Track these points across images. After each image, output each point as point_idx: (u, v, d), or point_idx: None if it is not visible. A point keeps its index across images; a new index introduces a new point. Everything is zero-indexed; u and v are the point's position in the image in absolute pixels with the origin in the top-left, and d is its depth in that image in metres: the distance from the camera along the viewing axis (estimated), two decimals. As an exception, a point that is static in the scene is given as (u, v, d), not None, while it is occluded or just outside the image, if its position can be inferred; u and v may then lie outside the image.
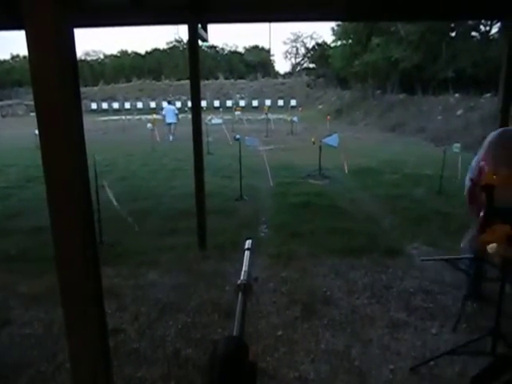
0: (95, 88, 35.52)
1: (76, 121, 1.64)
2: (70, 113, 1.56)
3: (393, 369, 2.53)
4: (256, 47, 47.59)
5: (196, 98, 4.35)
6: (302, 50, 45.69)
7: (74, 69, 1.68)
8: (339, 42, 28.28)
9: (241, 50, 47.90)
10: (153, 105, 31.11)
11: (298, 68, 44.63)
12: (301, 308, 3.24)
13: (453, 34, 21.99)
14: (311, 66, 43.26)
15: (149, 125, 13.67)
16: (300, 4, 4.15)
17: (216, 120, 14.94)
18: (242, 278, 0.93)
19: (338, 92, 28.34)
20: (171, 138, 15.02)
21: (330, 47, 32.48)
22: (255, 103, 30.59)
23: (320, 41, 42.85)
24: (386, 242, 4.58)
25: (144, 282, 3.78)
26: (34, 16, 1.44)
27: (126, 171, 9.18)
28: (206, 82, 32.63)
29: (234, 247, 4.40)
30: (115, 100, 32.71)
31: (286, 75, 41.51)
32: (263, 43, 75.27)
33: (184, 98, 29.42)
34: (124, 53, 46.98)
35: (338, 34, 27.80)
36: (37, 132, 1.55)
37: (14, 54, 45.43)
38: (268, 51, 47.18)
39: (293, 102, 29.30)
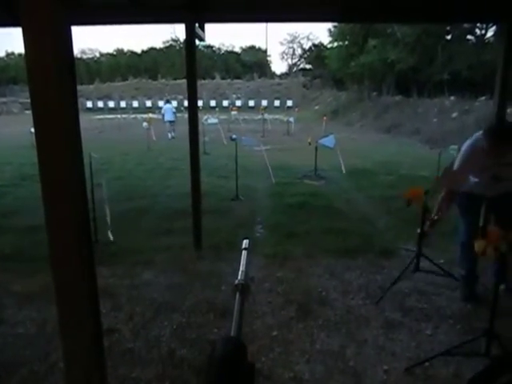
0: (91, 86, 35.38)
1: (72, 119, 1.63)
2: (67, 111, 1.55)
3: (387, 369, 2.54)
4: (253, 47, 47.65)
5: (193, 97, 4.34)
6: (299, 51, 45.84)
7: (71, 67, 1.67)
8: (336, 43, 28.38)
9: (237, 50, 47.97)
10: (149, 104, 31.06)
11: (295, 69, 44.74)
12: (296, 308, 3.24)
13: (448, 37, 22.14)
14: (308, 66, 43.39)
15: (144, 124, 13.63)
16: (297, 4, 4.15)
17: (212, 120, 14.94)
18: (239, 277, 0.92)
19: (335, 93, 28.42)
20: (170, 135, 15.34)
21: (327, 48, 32.58)
22: (251, 103, 30.64)
23: (317, 42, 43.03)
24: (381, 243, 4.59)
25: (139, 281, 3.76)
26: (31, 13, 1.42)
27: (121, 170, 9.14)
28: (203, 81, 32.60)
29: (229, 247, 4.39)
30: (111, 99, 32.60)
31: (283, 76, 41.56)
32: (260, 43, 75.34)
33: (180, 97, 29.37)
34: (120, 51, 46.83)
35: (334, 35, 27.89)
36: (32, 130, 1.54)
37: (9, 51, 45.15)
38: (265, 51, 47.29)
39: (289, 103, 29.37)
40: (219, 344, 0.66)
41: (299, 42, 45.31)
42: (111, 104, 31.36)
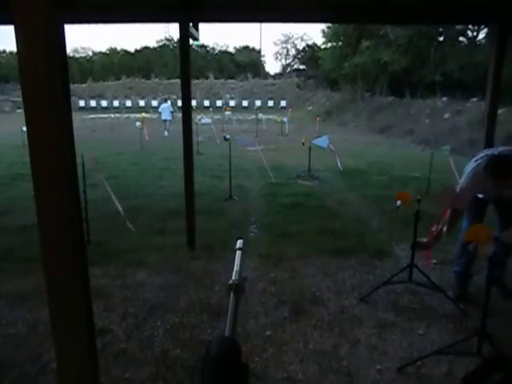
0: (83, 85, 35.13)
1: (65, 118, 1.62)
2: (59, 110, 1.54)
3: (380, 369, 2.55)
4: (246, 47, 47.62)
5: (186, 97, 4.32)
6: (293, 52, 45.95)
7: (64, 66, 1.65)
8: (329, 44, 28.54)
9: (231, 49, 47.91)
10: (142, 103, 30.91)
11: (289, 69, 44.84)
12: (290, 308, 3.25)
13: (441, 39, 22.35)
14: (301, 67, 43.51)
15: (138, 123, 13.57)
16: (291, 5, 4.16)
17: (206, 120, 14.93)
18: (233, 277, 0.93)
19: (328, 93, 28.53)
20: (166, 133, 15.66)
21: (321, 49, 32.74)
22: (245, 103, 30.63)
23: (310, 42, 43.21)
24: (374, 243, 4.62)
25: (132, 281, 3.74)
26: (23, 11, 1.41)
27: (114, 170, 9.08)
28: (196, 81, 32.54)
29: (223, 247, 4.39)
30: (104, 98, 32.41)
31: (277, 76, 41.60)
32: (254, 44, 75.38)
33: (174, 97, 29.25)
34: (113, 50, 46.53)
35: (328, 36, 28.03)
36: (24, 129, 1.53)
37: (1, 49, 44.70)
38: (258, 52, 47.28)
39: (283, 103, 29.42)
40: (214, 344, 0.66)
41: (293, 43, 45.47)
42: (104, 103, 31.18)
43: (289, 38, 45.34)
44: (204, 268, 4.00)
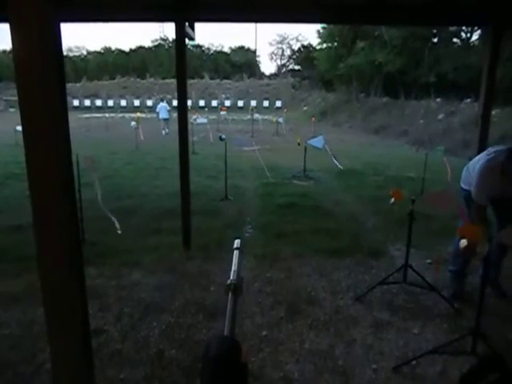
0: (78, 85, 34.89)
1: (61, 117, 1.61)
2: (55, 109, 1.53)
3: (376, 368, 2.56)
4: (242, 48, 47.59)
5: (182, 97, 4.31)
6: (288, 52, 45.99)
7: (60, 65, 1.65)
8: (324, 45, 28.60)
9: (226, 50, 47.84)
10: (137, 103, 30.77)
11: (284, 69, 44.86)
12: (285, 308, 3.25)
13: (435, 40, 22.48)
14: (296, 67, 43.55)
15: (133, 123, 13.50)
16: (287, 5, 4.17)
17: (201, 119, 14.91)
18: (231, 277, 0.92)
19: (323, 94, 28.59)
20: (164, 132, 16.23)
21: (316, 49, 32.77)
22: (240, 103, 30.59)
23: (305, 43, 43.27)
24: (370, 243, 4.63)
25: (127, 282, 3.73)
26: (19, 9, 1.40)
27: (109, 169, 9.04)
28: (192, 81, 32.46)
29: (218, 247, 4.39)
30: (98, 97, 32.22)
31: (272, 76, 41.59)
32: (249, 44, 75.22)
33: (169, 96, 29.17)
34: (107, 50, 46.28)
35: (323, 37, 28.08)
36: (18, 128, 1.52)
37: (-6, 48, 44.23)
38: (254, 52, 47.23)
39: (278, 103, 29.42)
40: (214, 343, 0.65)
41: (288, 43, 45.50)
42: (98, 103, 31.01)
43: (284, 38, 45.40)
44: (199, 268, 3.99)
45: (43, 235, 1.57)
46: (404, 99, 19.63)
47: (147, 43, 48.44)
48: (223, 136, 7.12)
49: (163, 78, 34.79)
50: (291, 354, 2.69)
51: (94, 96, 32.55)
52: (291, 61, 45.78)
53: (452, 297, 3.37)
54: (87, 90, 34.21)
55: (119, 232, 4.70)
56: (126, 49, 46.17)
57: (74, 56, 45.01)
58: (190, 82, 29.18)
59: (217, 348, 0.65)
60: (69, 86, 32.77)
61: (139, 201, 6.47)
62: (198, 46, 43.99)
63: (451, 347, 2.57)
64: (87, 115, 25.05)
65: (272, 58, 62.04)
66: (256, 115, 18.62)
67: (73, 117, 20.70)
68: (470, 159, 3.43)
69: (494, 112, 6.77)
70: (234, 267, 0.98)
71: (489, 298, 3.10)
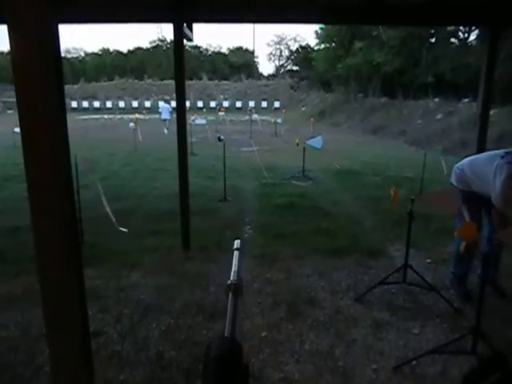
0: (76, 86, 34.88)
1: (59, 119, 1.60)
2: (53, 111, 1.52)
3: (376, 368, 2.56)
4: (240, 48, 47.65)
5: (181, 98, 4.31)
6: (286, 53, 46.08)
7: (58, 66, 1.64)
8: (322, 46, 28.67)
9: (225, 50, 47.90)
10: (135, 104, 30.75)
11: (282, 70, 44.95)
12: (285, 309, 3.25)
13: (433, 40, 22.53)
14: (295, 68, 43.62)
15: (131, 124, 13.50)
16: (285, 6, 4.17)
17: (200, 120, 14.92)
18: (231, 278, 0.92)
19: (321, 94, 28.62)
20: (166, 131, 16.66)
21: (314, 50, 32.87)
22: (239, 104, 30.60)
23: (303, 43, 43.34)
24: (369, 243, 4.63)
25: (126, 283, 3.72)
26: (16, 10, 1.39)
27: (107, 171, 9.03)
28: (190, 82, 32.44)
29: (218, 248, 4.38)
30: (96, 99, 32.20)
31: (270, 77, 41.64)
32: (247, 45, 75.23)
33: (167, 97, 29.18)
34: (106, 51, 46.29)
35: (321, 38, 28.16)
36: (16, 130, 1.52)
37: (-10, 49, 44.12)
38: (252, 53, 47.28)
39: (276, 104, 29.44)
40: (214, 344, 0.65)
41: (286, 44, 45.59)
42: (96, 104, 30.99)
43: (282, 39, 45.50)
44: (199, 269, 3.98)
45: (42, 237, 1.56)
46: (402, 99, 19.66)
47: (145, 44, 48.58)
48: (222, 137, 7.11)
49: (161, 79, 34.79)
50: (291, 355, 2.69)
51: (92, 97, 32.53)
52: (289, 61, 45.87)
53: (461, 297, 3.37)
54: (85, 91, 34.19)
55: (125, 230, 4.69)
56: (124, 50, 46.27)
57: (72, 57, 45.00)
58: (188, 83, 29.10)
59: (218, 349, 0.64)
60: (67, 87, 32.74)
61: (138, 202, 6.46)
62: (196, 47, 44.06)
63: (451, 347, 2.57)
64: (85, 117, 25.05)
65: (270, 59, 62.16)
66: (254, 116, 18.65)
67: (71, 118, 20.62)
68: (466, 157, 3.43)
69: (492, 112, 6.78)
70: (234, 268, 0.97)
71: (488, 297, 3.10)
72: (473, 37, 21.64)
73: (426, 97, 18.08)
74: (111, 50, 46.54)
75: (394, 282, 3.47)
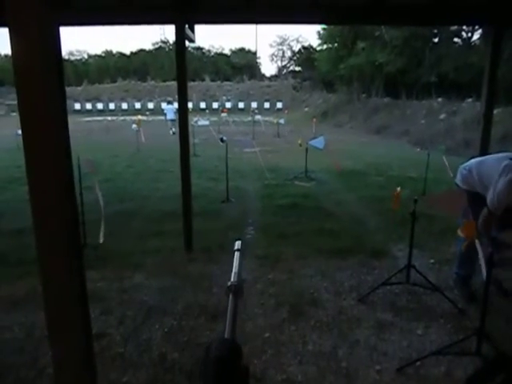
0: (79, 88, 35.02)
1: (61, 121, 1.61)
2: (55, 113, 1.53)
3: (379, 369, 2.55)
4: (242, 49, 47.66)
5: (183, 99, 4.31)
6: (288, 53, 46.02)
7: (60, 68, 1.64)
8: (325, 46, 28.61)
9: (227, 51, 47.93)
10: (138, 106, 30.81)
11: (284, 71, 44.90)
12: (288, 310, 3.24)
13: (436, 40, 22.43)
14: (297, 68, 43.54)
15: (134, 126, 13.52)
16: (287, 6, 4.17)
17: (202, 121, 14.95)
18: (232, 279, 0.92)
19: (324, 95, 28.56)
20: (171, 132, 17.24)
21: (316, 50, 32.80)
22: (241, 105, 30.60)
23: (306, 44, 43.23)
24: (372, 244, 4.62)
25: (129, 284, 3.72)
26: (18, 13, 1.40)
27: (110, 172, 9.05)
28: (192, 83, 32.51)
29: (220, 249, 4.38)
30: (100, 100, 32.28)
31: (273, 78, 41.60)
32: (249, 45, 75.30)
33: (170, 99, 29.24)
34: (109, 53, 46.44)
35: (323, 38, 28.09)
36: (19, 132, 1.52)
37: (-5, 52, 44.40)
38: (254, 53, 47.24)
39: (279, 105, 29.40)
40: (214, 346, 0.65)
41: (289, 45, 45.52)
42: (100, 106, 31.06)
43: (284, 39, 45.44)
44: (202, 270, 3.98)
45: (43, 239, 1.57)
46: (405, 99, 19.59)
47: (148, 46, 48.66)
48: (224, 138, 7.11)
49: (164, 81, 34.85)
50: (294, 356, 2.68)
51: (95, 99, 32.62)
52: (292, 62, 45.81)
53: (467, 300, 3.35)
54: (89, 93, 34.32)
55: (100, 241, 4.59)
56: (127, 52, 46.38)
57: (76, 60, 45.20)
58: (190, 84, 29.21)
59: (217, 350, 0.64)
60: (70, 89, 32.91)
61: (141, 203, 6.47)
62: (199, 49, 44.11)
63: (455, 348, 2.56)
64: (88, 118, 25.12)
65: (272, 60, 62.19)
66: (257, 117, 18.64)
67: (74, 120, 20.76)
68: (473, 158, 3.41)
69: (495, 111, 6.75)
70: (234, 269, 0.97)
71: (492, 297, 3.08)
72: (476, 36, 21.56)
73: (430, 97, 18.01)
74: (114, 52, 46.73)
75: (397, 283, 3.46)
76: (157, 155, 11.50)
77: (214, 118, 19.56)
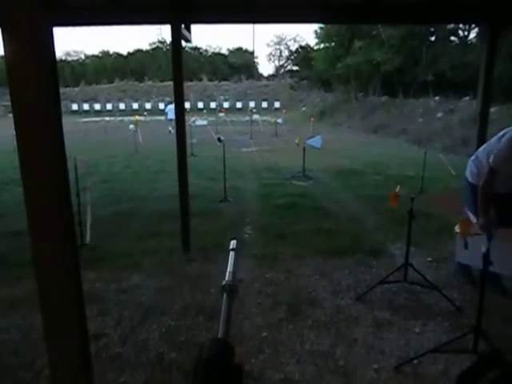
0: (76, 89, 34.91)
1: (55, 122, 1.60)
2: (49, 114, 1.52)
3: (377, 368, 2.55)
4: (240, 49, 47.62)
5: (179, 99, 4.30)
6: (286, 53, 46.05)
7: (53, 69, 1.64)
8: (322, 45, 28.64)
9: (224, 51, 47.86)
10: (135, 106, 30.76)
11: (282, 70, 44.92)
12: (286, 309, 3.24)
13: (432, 38, 22.50)
14: (295, 68, 43.58)
15: (131, 126, 13.51)
16: (284, 5, 4.17)
17: (200, 122, 14.94)
18: (226, 278, 0.91)
19: (322, 94, 28.58)
20: (172, 131, 17.10)
21: (313, 50, 32.83)
22: (239, 105, 30.59)
23: (303, 43, 43.28)
24: (370, 243, 4.62)
25: (127, 285, 3.72)
26: (11, 14, 1.39)
27: (108, 173, 9.04)
28: (190, 83, 32.43)
29: (218, 249, 4.37)
30: (97, 101, 32.21)
31: (270, 77, 41.59)
32: (247, 45, 75.26)
33: (167, 99, 29.18)
34: (106, 53, 46.32)
35: (320, 37, 28.13)
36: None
37: (-9, 53, 44.29)
38: (252, 53, 47.25)
39: (277, 104, 29.41)
40: (206, 346, 0.65)
41: (286, 44, 45.55)
42: (97, 106, 31.00)
43: (281, 39, 45.46)
44: (199, 270, 3.98)
45: (39, 240, 1.56)
46: (402, 98, 19.64)
47: (145, 46, 48.55)
48: (221, 137, 7.11)
49: (161, 81, 34.78)
50: (292, 355, 2.68)
51: (92, 100, 32.55)
52: (289, 61, 45.85)
53: (469, 282, 3.46)
54: (86, 94, 34.22)
55: (87, 242, 4.60)
56: (124, 52, 46.24)
57: (73, 60, 45.06)
58: (188, 84, 29.17)
59: (209, 349, 0.64)
60: (67, 90, 32.84)
61: (138, 204, 6.47)
62: (196, 49, 44.08)
63: (453, 346, 2.56)
64: (86, 119, 25.07)
65: (270, 59, 62.15)
66: (255, 116, 18.66)
67: (71, 121, 20.72)
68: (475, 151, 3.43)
69: (492, 109, 6.76)
70: (229, 268, 0.97)
71: (489, 295, 3.08)
72: (473, 35, 21.63)
73: (427, 95, 18.05)
74: (111, 52, 46.57)
75: (394, 281, 3.47)
76: (155, 155, 11.49)
77: (212, 118, 19.55)
